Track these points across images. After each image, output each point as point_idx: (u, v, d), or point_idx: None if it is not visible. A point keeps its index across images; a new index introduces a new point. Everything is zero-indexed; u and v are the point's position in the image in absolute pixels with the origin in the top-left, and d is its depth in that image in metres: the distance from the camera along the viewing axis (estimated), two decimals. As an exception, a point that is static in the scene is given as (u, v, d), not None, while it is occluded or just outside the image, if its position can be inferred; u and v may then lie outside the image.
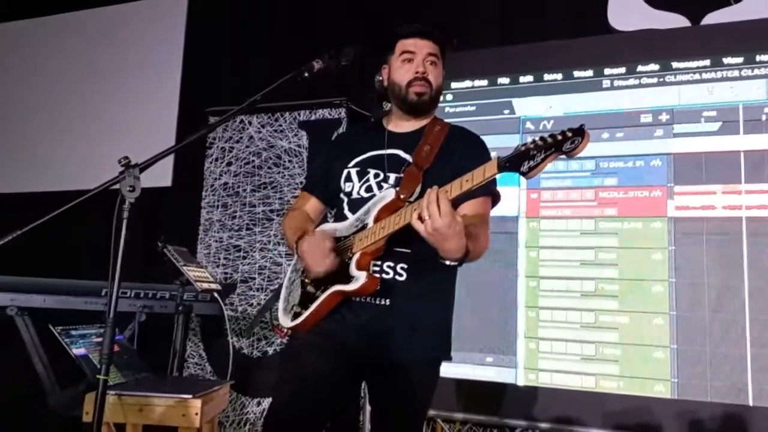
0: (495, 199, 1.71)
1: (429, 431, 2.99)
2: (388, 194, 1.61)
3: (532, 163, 1.32)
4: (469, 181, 1.41)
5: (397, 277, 1.61)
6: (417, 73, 1.69)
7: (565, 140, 1.29)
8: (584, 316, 2.75)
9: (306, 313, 1.62)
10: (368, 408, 2.94)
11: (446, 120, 1.81)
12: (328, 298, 1.59)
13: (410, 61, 1.70)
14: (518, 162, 1.34)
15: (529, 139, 1.36)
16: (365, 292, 1.56)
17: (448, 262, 1.47)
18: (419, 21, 1.73)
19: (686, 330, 2.59)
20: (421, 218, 1.39)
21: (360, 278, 1.54)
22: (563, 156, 1.30)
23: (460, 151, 1.69)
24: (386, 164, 1.69)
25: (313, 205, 1.85)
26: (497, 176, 1.41)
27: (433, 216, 1.37)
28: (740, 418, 2.45)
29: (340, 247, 1.63)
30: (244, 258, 3.59)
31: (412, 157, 1.67)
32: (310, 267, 1.61)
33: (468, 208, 1.61)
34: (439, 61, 1.73)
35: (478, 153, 1.70)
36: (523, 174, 1.34)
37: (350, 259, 1.58)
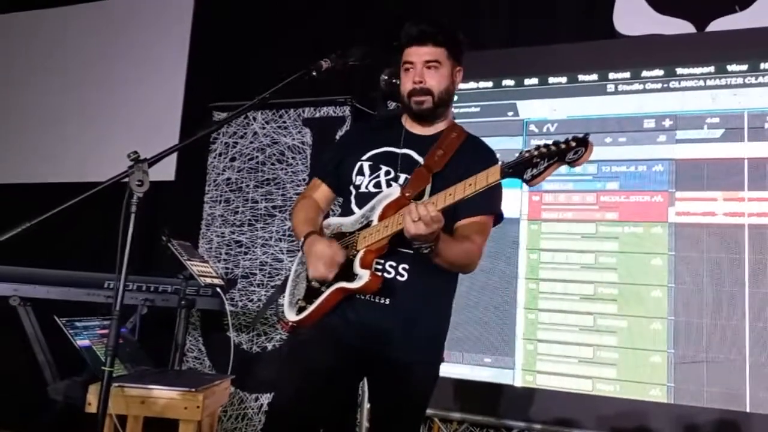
0: (497, 219, 1.73)
1: (426, 430, 3.01)
2: (393, 192, 1.63)
3: (535, 171, 1.33)
4: (472, 185, 1.43)
5: (398, 277, 1.63)
6: (414, 83, 1.69)
7: (569, 150, 1.30)
8: (583, 319, 2.76)
9: (310, 308, 1.64)
10: (366, 406, 2.96)
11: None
12: (331, 294, 1.61)
13: (410, 71, 1.71)
14: (521, 169, 1.35)
15: (533, 146, 1.36)
16: (368, 291, 1.58)
17: (423, 251, 1.49)
18: (422, 22, 1.72)
19: (684, 335, 2.60)
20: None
21: (363, 276, 1.55)
22: (566, 165, 1.31)
23: (470, 159, 1.69)
24: (399, 164, 1.71)
25: (323, 192, 1.85)
26: (501, 181, 1.42)
27: (425, 219, 1.41)
28: (737, 424, 2.46)
29: (345, 243, 1.65)
30: (246, 254, 3.61)
31: (424, 159, 1.69)
32: (311, 270, 1.63)
33: (466, 221, 1.64)
34: (443, 64, 1.70)
35: (487, 163, 1.71)
36: (526, 182, 1.35)
37: (354, 256, 1.59)
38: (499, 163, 1.41)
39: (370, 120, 3.22)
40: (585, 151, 1.28)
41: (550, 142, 1.34)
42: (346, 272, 1.59)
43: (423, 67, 1.69)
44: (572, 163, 1.30)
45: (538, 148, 1.34)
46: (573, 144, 1.30)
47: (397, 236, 1.54)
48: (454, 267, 1.65)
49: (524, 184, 1.36)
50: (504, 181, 1.72)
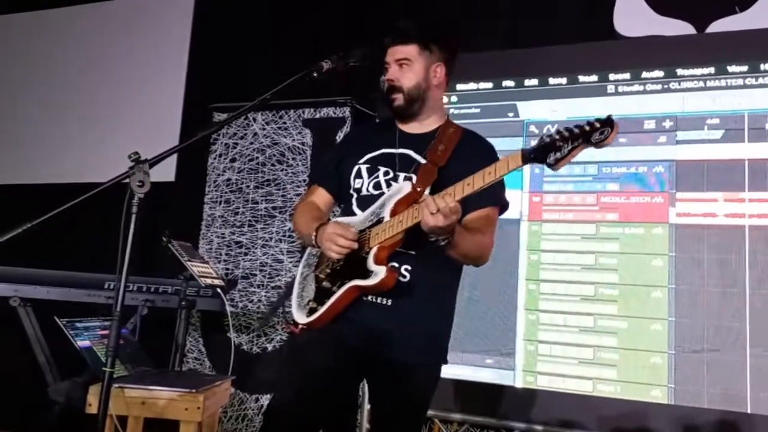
0: (503, 208, 1.74)
1: (426, 431, 3.01)
2: (405, 187, 1.61)
3: (558, 154, 1.31)
4: (492, 173, 1.42)
5: (400, 278, 1.62)
6: (387, 82, 1.73)
7: (594, 131, 1.28)
8: (583, 320, 2.76)
9: (322, 309, 1.60)
10: (366, 407, 2.96)
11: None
12: (345, 293, 1.58)
13: (388, 71, 1.74)
14: (544, 154, 1.34)
15: (554, 130, 1.34)
16: (385, 287, 1.55)
17: (441, 243, 1.48)
18: (398, 23, 1.75)
19: (684, 336, 2.60)
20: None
21: (379, 273, 1.52)
22: (591, 147, 1.29)
23: (471, 153, 1.70)
24: (397, 163, 1.71)
25: (323, 197, 1.84)
26: (515, 172, 1.41)
27: (443, 210, 1.40)
28: (738, 425, 2.46)
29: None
30: (246, 254, 3.61)
31: (427, 154, 1.69)
32: (331, 250, 1.58)
33: (474, 214, 1.64)
34: (413, 60, 1.72)
35: (488, 156, 1.71)
36: (550, 166, 1.33)
37: (367, 253, 1.57)
38: (519, 149, 1.39)
39: (369, 123, 3.23)
40: (611, 131, 1.27)
41: (571, 125, 1.32)
42: (359, 270, 1.56)
43: (395, 65, 1.72)
44: (598, 144, 1.28)
45: (559, 131, 1.32)
46: (597, 125, 1.28)
47: (411, 231, 1.52)
48: (468, 259, 1.64)
49: (549, 168, 1.34)
50: (505, 181, 1.73)
